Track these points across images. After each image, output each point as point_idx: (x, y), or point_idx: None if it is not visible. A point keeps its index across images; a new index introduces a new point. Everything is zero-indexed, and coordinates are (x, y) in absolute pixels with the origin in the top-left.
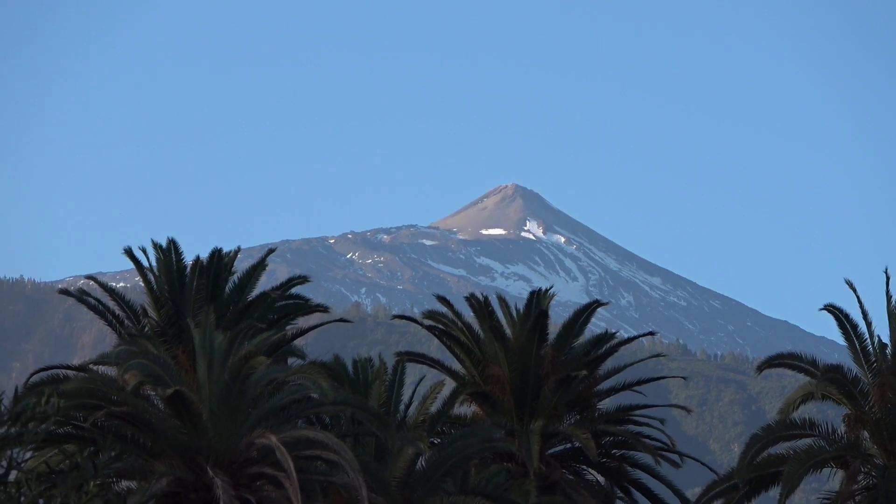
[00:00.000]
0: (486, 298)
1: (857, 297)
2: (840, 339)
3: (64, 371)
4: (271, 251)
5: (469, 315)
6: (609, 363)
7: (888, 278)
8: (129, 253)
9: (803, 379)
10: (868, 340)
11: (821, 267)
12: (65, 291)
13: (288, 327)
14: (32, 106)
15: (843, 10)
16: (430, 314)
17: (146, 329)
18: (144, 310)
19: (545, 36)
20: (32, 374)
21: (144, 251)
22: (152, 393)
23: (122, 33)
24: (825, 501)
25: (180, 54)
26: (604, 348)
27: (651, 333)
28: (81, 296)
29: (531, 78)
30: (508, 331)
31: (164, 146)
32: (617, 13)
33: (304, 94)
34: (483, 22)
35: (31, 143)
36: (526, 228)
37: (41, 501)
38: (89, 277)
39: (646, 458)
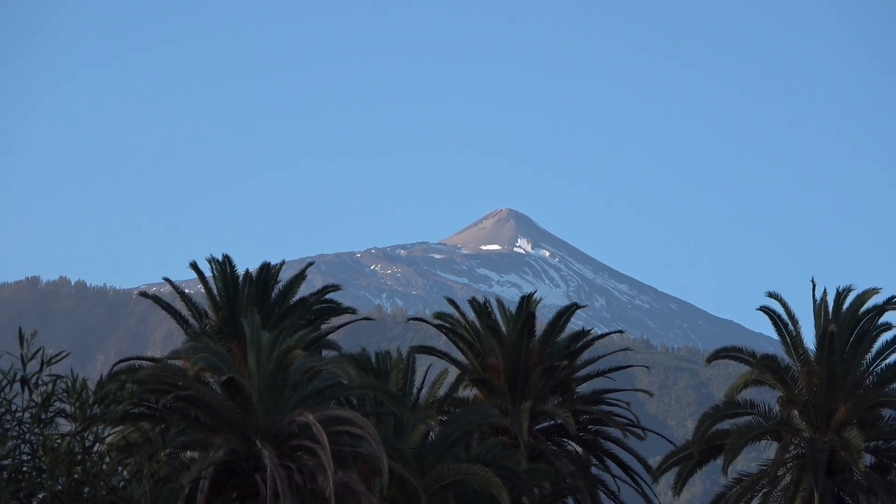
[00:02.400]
0: (485, 302)
1: (784, 305)
2: (775, 335)
3: (139, 361)
4: (310, 264)
5: (471, 316)
6: (585, 355)
7: (814, 285)
8: (194, 266)
9: (745, 368)
10: (797, 336)
11: (760, 275)
12: (144, 294)
13: (322, 326)
14: (100, 141)
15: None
16: (439, 315)
17: (207, 327)
18: (205, 312)
19: (534, 85)
20: (114, 365)
21: (210, 262)
22: (211, 379)
23: (177, 68)
24: (762, 468)
25: (239, 97)
26: (581, 342)
27: (620, 332)
28: (157, 298)
29: (525, 119)
30: (503, 328)
31: (222, 176)
32: (597, 57)
33: (336, 134)
34: (485, 70)
35: (106, 173)
36: (517, 245)
37: (120, 468)
38: (166, 279)
39: (616, 432)
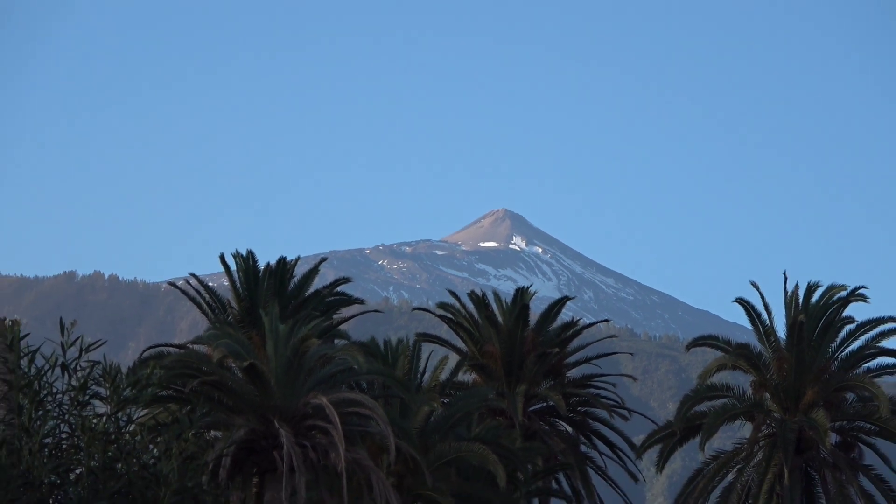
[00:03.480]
0: (483, 294)
1: (760, 294)
2: (748, 325)
3: (167, 348)
4: (323, 260)
5: (470, 307)
6: (575, 342)
7: (786, 279)
8: (221, 259)
9: (721, 354)
10: (770, 325)
11: (734, 270)
12: (172, 284)
13: (334, 316)
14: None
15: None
16: (442, 305)
17: (230, 317)
18: (228, 302)
19: (529, 95)
20: (144, 351)
21: (234, 257)
22: (233, 365)
23: (207, 71)
24: (737, 446)
25: (262, 110)
26: (571, 331)
27: (606, 321)
28: (184, 290)
29: (520, 126)
30: (500, 318)
31: (243, 179)
32: (579, 73)
33: (348, 140)
34: (483, 83)
35: (137, 176)
36: (513, 242)
37: (150, 447)
38: (192, 275)
39: (603, 413)
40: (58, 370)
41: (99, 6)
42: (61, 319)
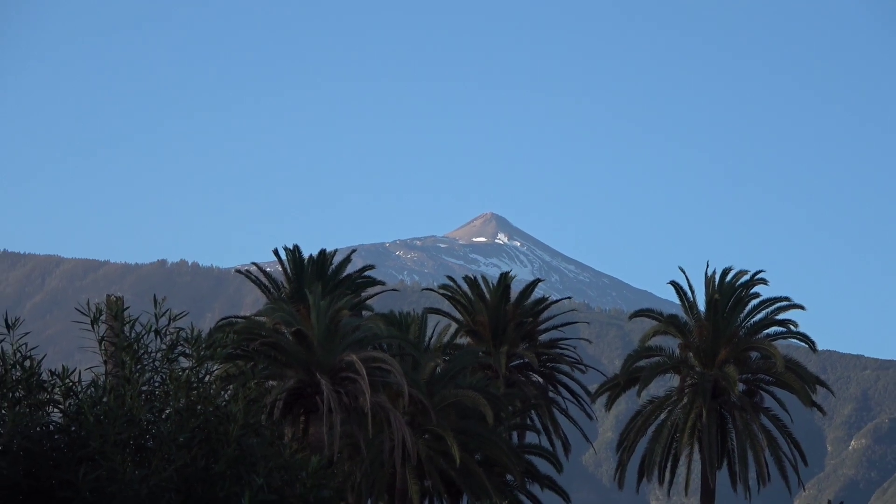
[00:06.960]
0: (475, 278)
1: (686, 277)
2: (677, 300)
3: (236, 319)
4: (353, 251)
5: (465, 287)
6: (545, 314)
7: (707, 265)
8: (275, 252)
9: (656, 323)
10: (693, 301)
11: (666, 258)
12: (239, 271)
13: (362, 294)
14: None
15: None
16: (444, 286)
17: (283, 294)
18: (281, 284)
19: (515, 121)
20: (218, 321)
21: (285, 250)
22: (285, 331)
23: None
24: (668, 392)
25: (294, 119)
26: (541, 306)
27: (568, 298)
28: (248, 275)
29: (506, 151)
30: (488, 296)
31: (296, 185)
32: (571, 84)
33: (373, 155)
34: (479, 110)
35: (212, 182)
36: (498, 238)
37: (223, 392)
38: (254, 263)
39: (566, 368)
40: (152, 335)
41: None
42: (155, 296)
